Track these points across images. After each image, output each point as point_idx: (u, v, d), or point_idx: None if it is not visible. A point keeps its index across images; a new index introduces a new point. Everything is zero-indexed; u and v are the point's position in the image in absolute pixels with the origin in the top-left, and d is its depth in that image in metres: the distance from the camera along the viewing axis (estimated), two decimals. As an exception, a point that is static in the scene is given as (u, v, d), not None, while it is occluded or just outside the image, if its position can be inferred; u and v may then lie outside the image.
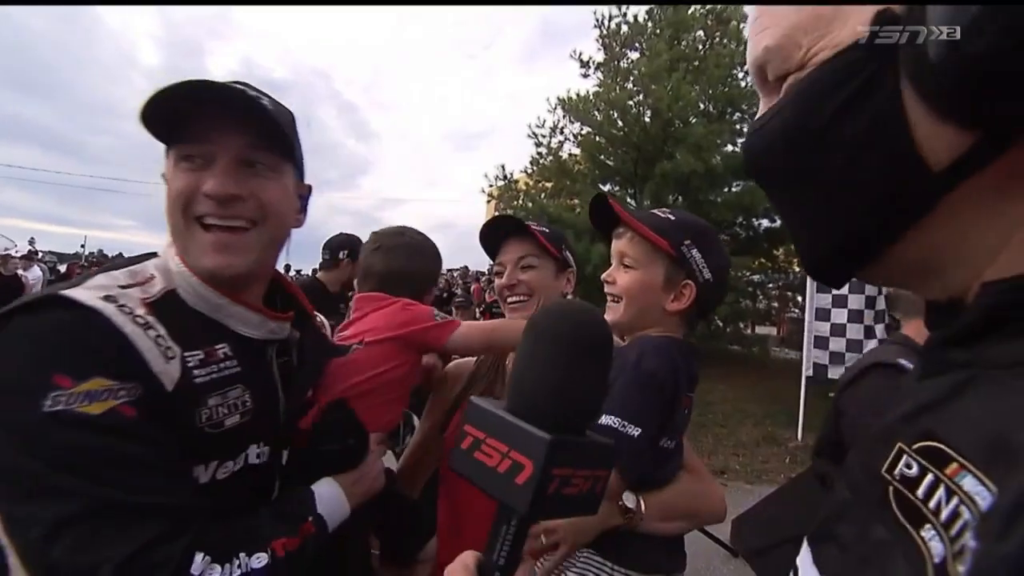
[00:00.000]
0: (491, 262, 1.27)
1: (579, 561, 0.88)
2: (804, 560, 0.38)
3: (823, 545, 0.36)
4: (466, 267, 11.18)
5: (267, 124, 0.67)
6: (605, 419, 0.83)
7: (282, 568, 0.63)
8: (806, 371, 5.70)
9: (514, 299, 1.13)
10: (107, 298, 0.59)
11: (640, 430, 0.82)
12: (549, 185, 9.86)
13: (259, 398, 0.72)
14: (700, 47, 8.77)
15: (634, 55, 9.40)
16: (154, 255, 0.73)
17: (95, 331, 0.56)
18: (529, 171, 10.14)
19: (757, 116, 0.41)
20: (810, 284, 5.72)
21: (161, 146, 0.70)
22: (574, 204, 9.35)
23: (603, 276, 0.98)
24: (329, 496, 0.77)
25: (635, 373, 0.86)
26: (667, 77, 7.68)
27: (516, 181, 10.01)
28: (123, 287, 0.63)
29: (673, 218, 0.94)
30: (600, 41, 9.52)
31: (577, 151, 9.52)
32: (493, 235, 1.18)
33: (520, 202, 9.49)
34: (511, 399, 0.46)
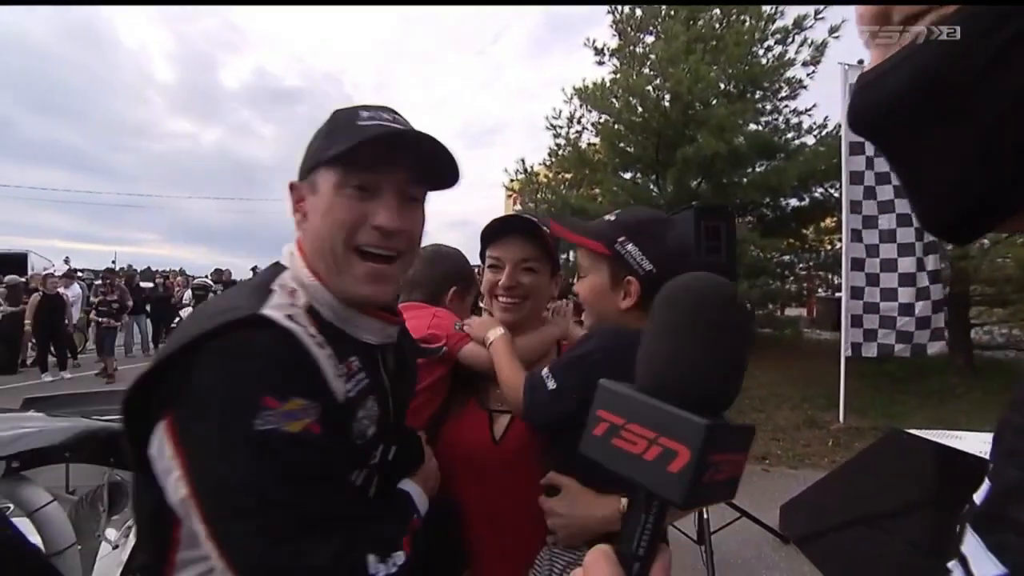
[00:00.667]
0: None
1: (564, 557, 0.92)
2: (974, 548, 0.35)
3: (997, 530, 0.34)
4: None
5: (449, 167, 0.73)
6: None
7: (409, 564, 0.66)
8: (844, 351, 5.58)
9: (508, 300, 1.09)
10: (290, 318, 0.61)
11: (557, 384, 0.88)
12: (569, 176, 9.79)
13: (381, 403, 0.75)
14: (717, 25, 8.57)
15: (650, 39, 9.25)
16: (281, 267, 0.73)
17: (292, 352, 0.59)
18: (548, 163, 10.08)
19: (869, 66, 0.37)
20: (845, 262, 5.60)
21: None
22: (595, 194, 9.27)
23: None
24: (416, 494, 0.81)
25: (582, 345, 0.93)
26: (685, 59, 7.53)
27: (536, 174, 9.96)
28: (292, 305, 0.65)
29: (614, 219, 0.97)
30: (614, 27, 9.39)
31: (596, 140, 9.42)
32: (500, 232, 1.11)
33: (541, 194, 9.45)
34: (647, 380, 0.44)
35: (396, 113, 0.72)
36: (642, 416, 0.42)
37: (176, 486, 0.55)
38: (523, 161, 9.81)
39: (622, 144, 8.84)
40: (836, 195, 8.40)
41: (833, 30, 7.79)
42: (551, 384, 0.89)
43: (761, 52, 8.52)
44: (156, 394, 0.57)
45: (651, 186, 9.03)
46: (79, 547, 1.03)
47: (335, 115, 0.73)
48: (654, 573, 0.42)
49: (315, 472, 0.58)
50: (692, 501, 0.39)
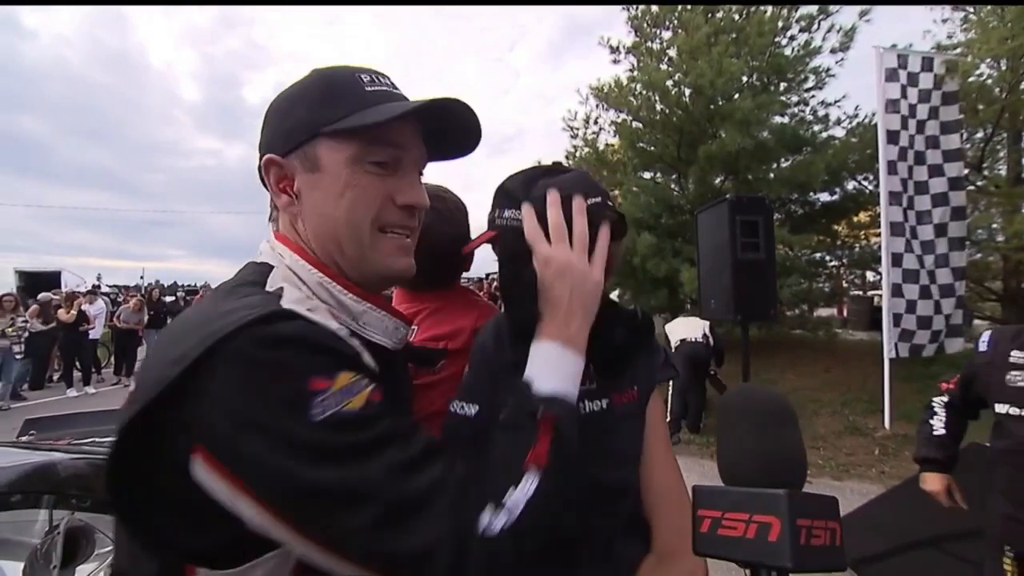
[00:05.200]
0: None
1: None
2: None
3: None
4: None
5: (474, 140, 0.71)
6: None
7: (551, 480, 0.53)
8: (888, 353, 5.24)
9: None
10: (308, 312, 0.54)
11: (477, 408, 0.75)
12: (587, 177, 9.57)
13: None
14: (737, 16, 8.28)
15: (667, 35, 9.00)
16: (266, 266, 0.62)
17: (323, 335, 0.52)
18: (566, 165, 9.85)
19: None
20: (885, 258, 5.27)
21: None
22: (615, 195, 9.03)
23: None
24: (543, 362, 0.61)
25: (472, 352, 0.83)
26: (707, 52, 7.26)
27: (554, 176, 9.74)
28: (311, 299, 0.59)
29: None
30: (629, 23, 9.17)
31: (614, 140, 9.19)
32: None
33: (559, 197, 9.21)
34: (730, 475, 0.52)
35: (387, 76, 0.65)
36: (734, 504, 0.48)
37: (252, 512, 0.46)
38: (539, 163, 9.60)
39: (641, 143, 8.59)
40: (870, 188, 8.01)
41: (863, 13, 7.44)
42: (471, 410, 0.76)
43: (784, 41, 8.21)
44: (168, 423, 0.46)
45: (672, 185, 8.75)
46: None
47: (327, 76, 0.62)
48: None
49: (397, 441, 0.49)
50: (801, 562, 0.43)
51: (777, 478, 0.48)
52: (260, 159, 0.62)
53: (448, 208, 1.04)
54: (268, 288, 0.57)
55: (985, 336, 1.63)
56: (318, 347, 0.50)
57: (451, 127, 0.67)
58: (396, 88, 0.65)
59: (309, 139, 0.60)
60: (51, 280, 13.45)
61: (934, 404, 1.79)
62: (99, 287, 12.12)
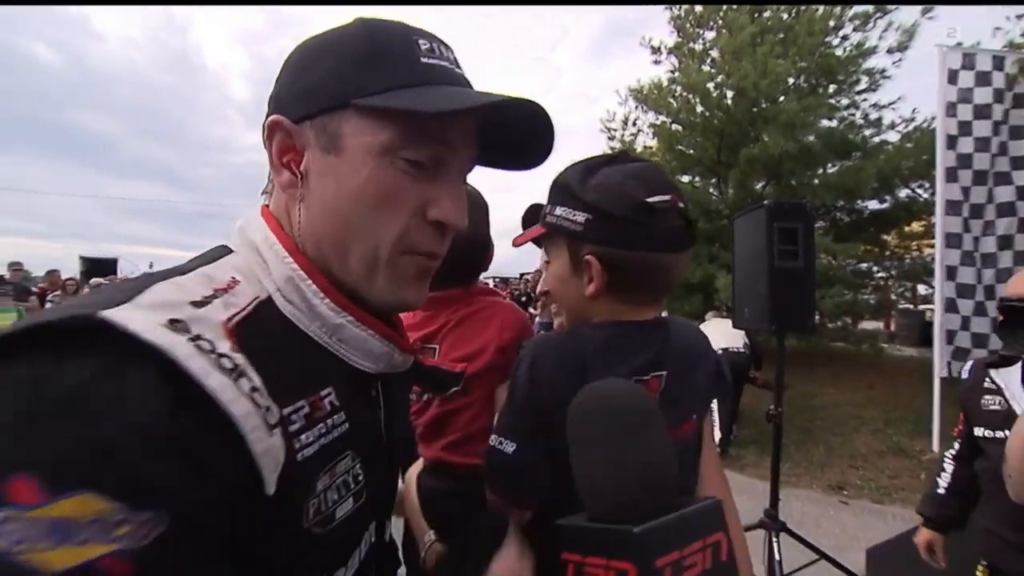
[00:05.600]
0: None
1: None
2: None
3: None
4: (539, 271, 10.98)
5: (543, 154, 0.55)
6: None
7: None
8: (939, 372, 4.93)
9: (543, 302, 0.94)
10: (174, 324, 0.34)
11: (515, 445, 0.69)
12: (623, 180, 9.47)
13: (369, 463, 0.48)
14: (786, 16, 7.98)
15: (710, 35, 8.78)
16: (225, 250, 0.48)
17: (147, 389, 0.31)
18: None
19: None
20: (939, 271, 4.95)
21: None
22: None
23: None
24: None
25: (511, 380, 0.75)
26: (752, 52, 7.03)
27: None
28: (197, 304, 0.38)
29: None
30: (672, 23, 9.00)
31: (653, 143, 9.04)
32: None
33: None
34: (589, 503, 0.45)
35: (450, 47, 0.51)
36: (589, 545, 0.42)
37: None
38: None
39: (680, 146, 8.40)
40: (924, 196, 7.57)
41: (926, 11, 7.03)
42: (509, 448, 0.70)
43: (836, 42, 7.85)
44: None
45: (711, 189, 8.52)
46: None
47: (374, 30, 0.46)
48: None
49: None
50: None
51: (640, 500, 0.42)
52: (267, 117, 0.48)
53: (470, 204, 1.00)
54: (207, 270, 0.43)
55: (968, 364, 1.73)
56: (77, 422, 0.29)
57: (520, 128, 0.51)
58: (459, 66, 0.50)
59: (334, 108, 0.44)
60: (109, 267, 14.31)
61: (945, 458, 1.84)
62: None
